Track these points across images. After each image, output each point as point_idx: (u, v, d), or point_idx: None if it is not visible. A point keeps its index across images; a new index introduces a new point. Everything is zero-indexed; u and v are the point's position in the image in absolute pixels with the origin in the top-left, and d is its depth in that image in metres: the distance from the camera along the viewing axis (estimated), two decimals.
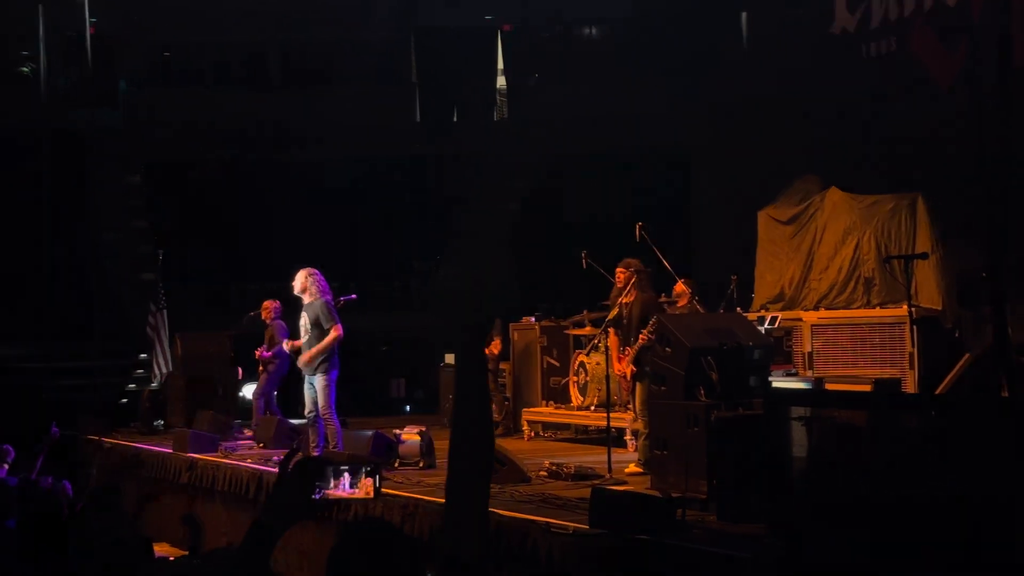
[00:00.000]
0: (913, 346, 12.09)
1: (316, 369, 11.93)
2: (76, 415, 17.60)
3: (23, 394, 17.93)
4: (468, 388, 3.27)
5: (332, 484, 3.24)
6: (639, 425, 11.26)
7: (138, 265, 21.46)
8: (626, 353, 11.22)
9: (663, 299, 12.75)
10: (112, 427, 17.25)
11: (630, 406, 11.77)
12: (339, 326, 11.94)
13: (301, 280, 12.08)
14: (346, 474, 3.13)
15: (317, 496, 3.34)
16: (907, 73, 15.19)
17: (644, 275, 11.36)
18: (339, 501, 3.19)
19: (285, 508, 3.28)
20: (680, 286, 12.44)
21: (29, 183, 21.70)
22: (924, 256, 12.36)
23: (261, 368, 15.59)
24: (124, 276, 21.39)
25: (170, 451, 14.41)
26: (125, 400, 19.62)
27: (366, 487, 3.30)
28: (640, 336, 10.86)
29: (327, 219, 21.49)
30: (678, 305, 12.66)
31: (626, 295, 11.30)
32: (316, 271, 12.19)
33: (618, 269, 11.50)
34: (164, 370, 18.11)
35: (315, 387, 11.96)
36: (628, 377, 11.28)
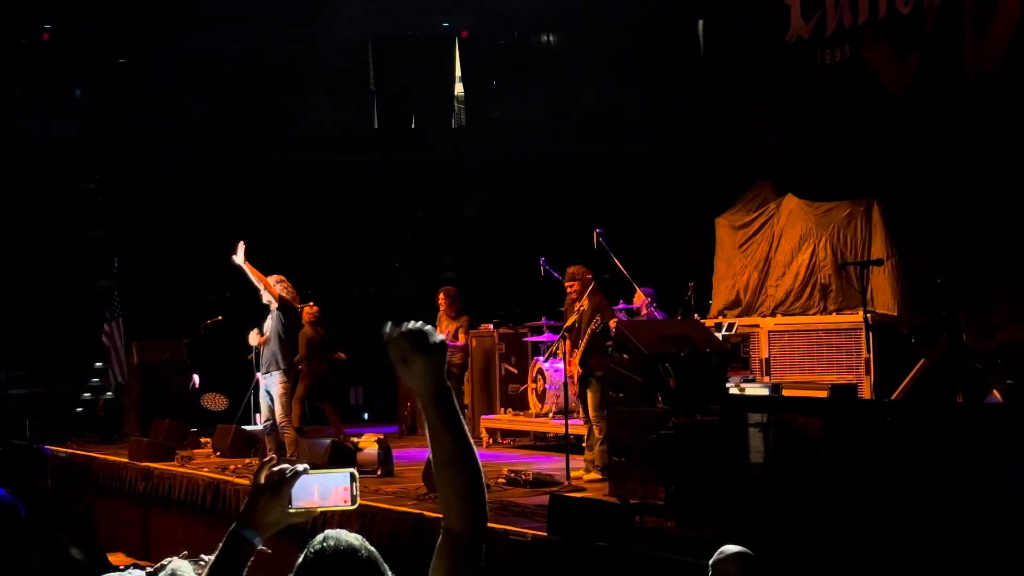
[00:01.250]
0: (869, 352, 12.18)
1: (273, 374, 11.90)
2: (30, 424, 17.45)
3: None
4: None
5: (309, 492, 3.19)
6: (584, 430, 11.33)
7: (93, 273, 21.30)
8: (573, 357, 11.27)
9: (621, 305, 12.82)
10: (67, 436, 17.10)
11: (577, 412, 11.67)
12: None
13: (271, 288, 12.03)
14: (323, 482, 3.10)
15: (294, 505, 3.29)
16: (861, 80, 15.30)
17: (592, 281, 11.41)
18: (315, 510, 3.15)
19: (262, 518, 3.24)
20: (639, 295, 12.49)
21: None
22: (879, 263, 12.46)
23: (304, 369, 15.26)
24: (79, 284, 21.22)
25: (126, 460, 14.31)
26: (80, 409, 19.46)
27: (344, 495, 3.24)
28: (585, 336, 10.93)
29: (285, 226, 21.39)
30: (641, 314, 12.72)
31: (579, 304, 11.36)
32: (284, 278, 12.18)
33: (567, 283, 11.53)
34: (120, 378, 17.98)
35: (272, 395, 11.92)
36: (575, 379, 11.30)
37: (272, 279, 12.05)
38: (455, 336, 14.89)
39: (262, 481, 3.24)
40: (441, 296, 15.24)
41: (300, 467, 3.25)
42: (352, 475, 3.32)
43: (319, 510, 3.34)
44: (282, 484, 3.23)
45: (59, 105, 23.59)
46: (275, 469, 3.25)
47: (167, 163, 22.62)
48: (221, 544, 3.26)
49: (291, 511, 3.26)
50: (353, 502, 3.32)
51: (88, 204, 23.00)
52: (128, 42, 23.32)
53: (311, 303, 15.60)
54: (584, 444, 11.50)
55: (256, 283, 11.87)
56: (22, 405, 18.42)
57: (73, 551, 5.44)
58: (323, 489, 3.31)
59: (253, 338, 12.22)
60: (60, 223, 22.42)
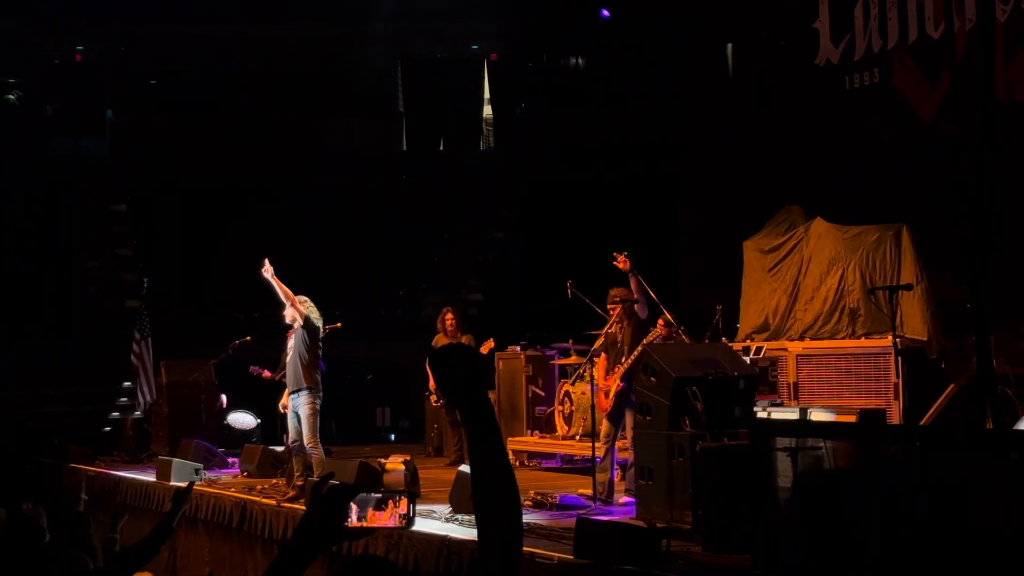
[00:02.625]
0: (898, 377, 12.11)
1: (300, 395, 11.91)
2: (59, 443, 17.55)
3: (4, 421, 17.86)
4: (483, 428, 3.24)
5: (365, 510, 3.18)
6: (628, 455, 11.20)
7: (123, 292, 21.43)
8: (615, 371, 11.19)
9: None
10: (95, 455, 17.18)
11: (604, 434, 11.41)
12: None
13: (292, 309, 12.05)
14: (379, 500, 3.10)
15: (349, 522, 3.29)
16: (890, 105, 15.27)
17: (630, 304, 11.34)
18: (371, 529, 3.14)
19: (317, 535, 3.24)
20: (659, 327, 12.31)
21: (14, 210, 21.68)
22: (909, 287, 12.40)
23: None
24: (108, 303, 21.35)
25: (153, 480, 14.35)
26: (108, 428, 19.56)
27: (397, 515, 3.23)
28: (637, 350, 10.83)
29: (313, 247, 21.48)
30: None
31: (612, 324, 11.32)
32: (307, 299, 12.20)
33: (609, 306, 11.48)
34: (148, 398, 18.04)
35: (299, 415, 11.92)
36: (611, 395, 11.19)
37: (296, 299, 12.07)
38: None
39: (322, 495, 3.24)
40: (451, 315, 15.25)
41: (357, 484, 3.26)
42: (410, 495, 3.32)
43: (374, 527, 3.34)
44: (340, 500, 3.23)
45: (90, 125, 23.79)
46: (334, 484, 3.26)
47: (196, 183, 22.77)
48: (274, 559, 3.25)
49: (347, 528, 3.27)
50: (408, 524, 3.32)
51: (118, 224, 23.17)
52: (159, 63, 23.51)
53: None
54: (598, 465, 11.19)
55: (283, 299, 11.89)
56: (51, 423, 18.52)
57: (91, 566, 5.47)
58: (378, 507, 3.31)
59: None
60: (90, 242, 22.59)
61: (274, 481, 13.21)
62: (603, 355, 11.50)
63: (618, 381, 11.13)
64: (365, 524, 3.32)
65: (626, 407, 11.06)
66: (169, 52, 23.62)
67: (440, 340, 15.31)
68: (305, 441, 11.85)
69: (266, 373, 15.60)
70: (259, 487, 12.92)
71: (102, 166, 23.60)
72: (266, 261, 11.67)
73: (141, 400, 18.22)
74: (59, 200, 22.26)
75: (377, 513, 3.33)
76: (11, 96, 23.89)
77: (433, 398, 15.42)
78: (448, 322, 15.23)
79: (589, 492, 11.10)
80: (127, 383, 19.56)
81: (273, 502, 11.78)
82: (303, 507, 11.24)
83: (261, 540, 11.73)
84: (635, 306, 11.18)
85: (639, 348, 10.90)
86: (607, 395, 11.25)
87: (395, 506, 3.33)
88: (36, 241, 21.86)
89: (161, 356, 17.86)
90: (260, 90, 24.31)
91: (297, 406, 11.93)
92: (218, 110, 24.17)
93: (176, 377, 17.14)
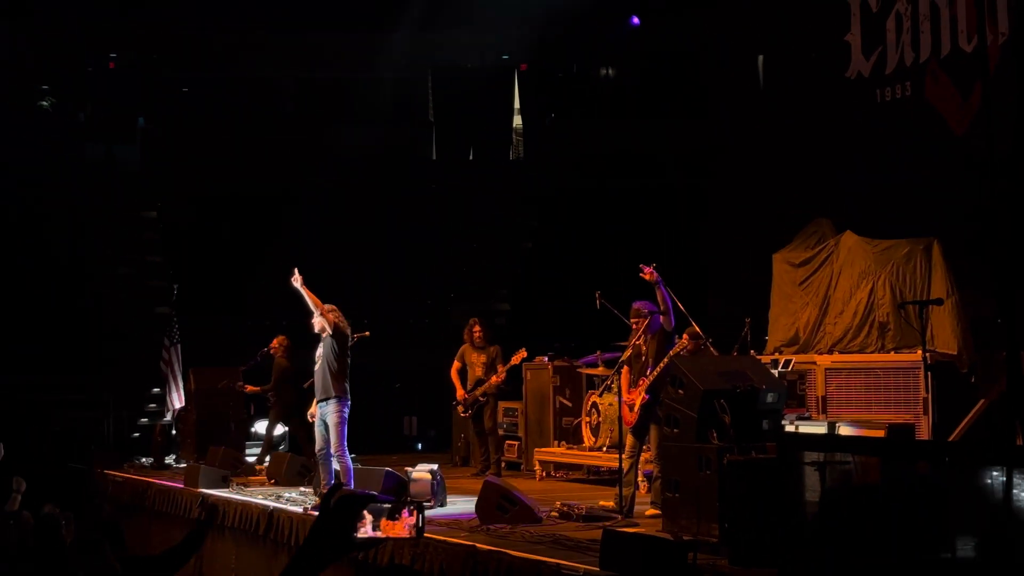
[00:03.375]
0: (928, 392, 12.05)
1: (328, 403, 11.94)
2: (87, 449, 17.64)
3: (35, 426, 17.95)
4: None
5: (375, 520, 3.17)
6: (653, 467, 11.17)
7: (153, 299, 21.53)
8: (639, 385, 11.16)
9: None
10: (123, 461, 17.26)
11: (629, 447, 11.38)
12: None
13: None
14: (388, 511, 3.10)
15: (360, 533, 3.28)
16: (921, 118, 15.21)
17: (655, 317, 11.29)
18: (380, 539, 3.13)
19: (327, 544, 3.24)
20: (684, 339, 12.28)
21: (46, 216, 21.81)
22: (939, 302, 12.34)
23: None
24: (138, 310, 21.45)
25: (181, 486, 14.41)
26: (137, 434, 19.65)
27: (408, 525, 3.23)
28: (663, 363, 10.80)
29: (342, 255, 21.53)
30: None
31: (638, 337, 11.28)
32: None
33: (632, 320, 11.45)
34: (177, 405, 18.12)
35: (327, 423, 11.95)
36: (635, 408, 11.16)
37: (325, 308, 12.10)
38: (493, 365, 15.04)
39: (332, 505, 3.24)
40: (478, 326, 15.30)
41: (367, 494, 3.25)
42: (419, 506, 3.32)
43: (383, 537, 3.34)
44: (350, 510, 3.23)
45: (122, 132, 23.93)
46: (345, 493, 3.26)
47: (226, 190, 22.86)
48: (285, 568, 3.26)
49: (357, 538, 3.26)
50: (418, 534, 3.32)
51: (148, 230, 23.29)
52: (190, 71, 23.63)
53: (282, 335, 16.03)
54: (623, 478, 11.16)
55: (312, 307, 11.93)
56: (80, 429, 18.61)
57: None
58: (391, 517, 3.31)
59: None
60: (121, 249, 22.70)
61: (301, 489, 13.24)
62: (626, 368, 11.47)
63: (643, 394, 11.11)
64: (378, 534, 3.32)
65: (651, 420, 11.04)
66: (202, 60, 23.75)
67: (467, 350, 15.34)
68: (332, 449, 11.88)
69: (249, 388, 16.36)
70: (286, 495, 12.95)
71: (133, 173, 23.75)
72: (295, 271, 11.73)
73: (170, 406, 18.31)
74: (90, 206, 22.38)
75: (390, 523, 3.34)
76: (45, 103, 24.06)
77: (460, 408, 15.43)
78: (475, 333, 15.28)
79: (610, 504, 11.07)
80: (156, 389, 19.65)
81: (300, 510, 11.81)
82: None
83: (288, 548, 11.76)
84: (660, 318, 11.15)
85: (664, 361, 10.87)
86: (632, 408, 11.23)
87: (407, 516, 3.33)
88: (66, 246, 21.96)
89: (190, 363, 17.94)
90: (289, 98, 24.40)
91: (325, 414, 11.95)
92: (248, 117, 24.28)
93: (205, 384, 17.20)
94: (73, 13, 22.27)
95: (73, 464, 16.98)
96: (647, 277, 11.03)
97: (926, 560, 6.76)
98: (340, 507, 3.24)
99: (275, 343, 16.14)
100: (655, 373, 10.93)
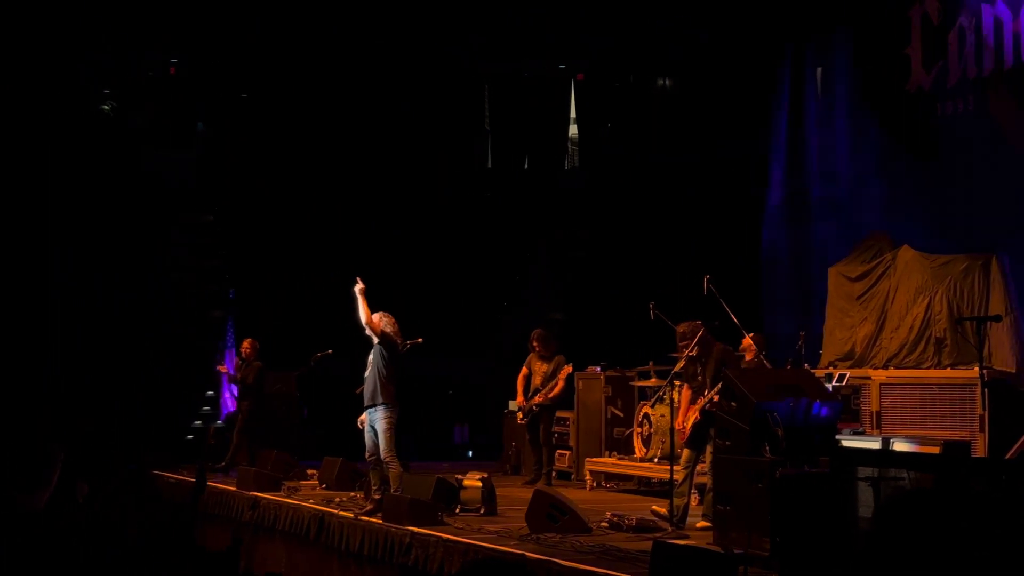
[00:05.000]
0: (984, 409, 11.92)
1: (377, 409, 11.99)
2: (142, 450, 17.78)
3: (94, 430, 18.12)
4: None
5: None
6: (706, 479, 11.11)
7: (209, 303, 21.69)
8: (697, 404, 11.10)
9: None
10: (178, 463, 17.38)
11: (685, 459, 11.32)
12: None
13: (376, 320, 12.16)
14: None
15: None
16: (983, 133, 15.04)
17: (702, 328, 11.21)
18: None
19: None
20: (747, 340, 12.36)
21: (104, 220, 22.01)
22: (998, 318, 12.22)
23: None
24: (195, 313, 21.62)
25: (233, 488, 14.50)
26: (191, 436, 19.79)
27: None
28: (715, 390, 10.72)
29: (396, 262, 21.60)
30: (746, 359, 12.58)
31: (691, 349, 11.20)
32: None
33: (680, 343, 11.37)
34: (231, 407, 18.25)
35: (376, 430, 11.99)
36: (687, 428, 11.12)
37: (377, 315, 12.16)
38: (554, 376, 15.02)
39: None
40: (535, 339, 15.32)
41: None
42: None
43: None
44: None
45: (181, 137, 24.11)
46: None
47: (283, 195, 23.00)
48: None
49: None
50: None
51: (205, 235, 23.46)
52: (250, 76, 23.78)
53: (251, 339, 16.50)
54: (676, 489, 11.11)
55: (360, 317, 12.02)
56: (135, 431, 18.76)
57: None
58: None
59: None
60: (178, 253, 22.89)
61: (352, 494, 13.29)
62: (686, 387, 11.39)
63: (696, 414, 11.06)
64: None
65: (707, 435, 10.99)
66: (260, 66, 23.89)
67: (533, 358, 15.35)
68: (382, 455, 11.92)
69: (223, 368, 17.07)
70: (337, 499, 13.00)
71: (191, 177, 23.92)
72: (359, 279, 11.87)
73: (224, 409, 18.45)
74: (149, 210, 22.57)
75: None
76: (105, 107, 24.31)
77: (520, 415, 15.42)
78: (533, 343, 15.31)
79: (662, 510, 11.02)
80: (210, 392, 19.80)
81: (351, 515, 11.85)
82: (380, 520, 11.30)
83: (338, 552, 11.81)
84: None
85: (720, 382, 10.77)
86: (684, 429, 11.17)
87: None
88: (124, 250, 22.14)
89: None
90: (344, 104, 24.49)
91: (374, 421, 12.00)
92: (304, 124, 24.41)
93: (260, 387, 17.28)
94: (133, 18, 22.47)
95: (128, 465, 17.12)
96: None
97: None
98: None
99: (246, 345, 16.61)
100: (712, 394, 10.84)
